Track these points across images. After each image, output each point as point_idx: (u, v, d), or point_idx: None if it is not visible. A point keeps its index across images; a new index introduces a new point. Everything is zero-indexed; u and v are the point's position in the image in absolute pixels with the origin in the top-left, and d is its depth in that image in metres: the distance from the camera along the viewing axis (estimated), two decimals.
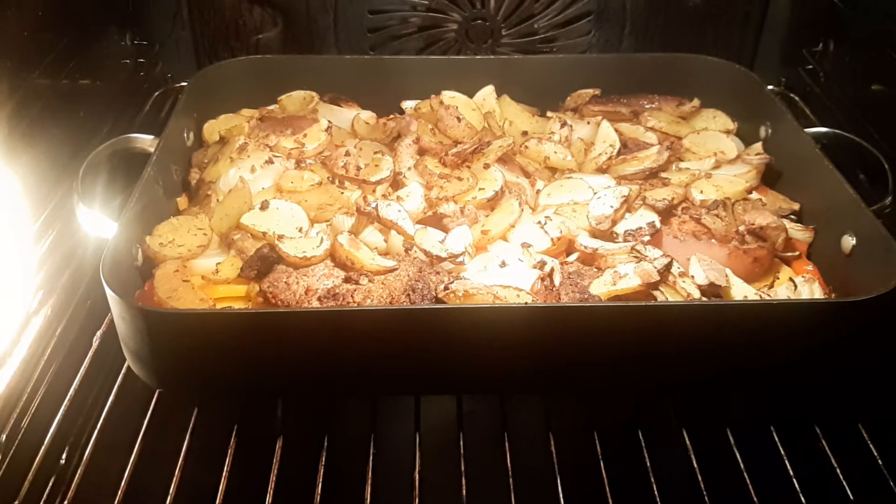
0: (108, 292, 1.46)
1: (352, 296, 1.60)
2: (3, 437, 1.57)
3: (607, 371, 1.52)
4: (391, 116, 2.28)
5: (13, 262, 1.82)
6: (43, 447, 1.57)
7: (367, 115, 2.27)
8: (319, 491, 1.48)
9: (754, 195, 1.98)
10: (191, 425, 1.62)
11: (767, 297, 1.65)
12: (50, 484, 1.54)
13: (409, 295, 1.61)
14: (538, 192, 1.97)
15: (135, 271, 1.70)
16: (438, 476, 1.53)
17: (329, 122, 2.14)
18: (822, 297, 1.68)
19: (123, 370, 1.70)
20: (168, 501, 1.48)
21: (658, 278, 1.59)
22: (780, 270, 1.80)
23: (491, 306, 1.51)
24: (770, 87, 2.32)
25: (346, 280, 1.64)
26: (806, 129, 2.06)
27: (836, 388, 1.65)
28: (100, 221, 1.74)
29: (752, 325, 1.47)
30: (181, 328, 1.45)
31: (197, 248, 1.75)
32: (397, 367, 1.50)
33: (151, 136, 2.01)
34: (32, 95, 1.94)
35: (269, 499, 1.48)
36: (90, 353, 1.77)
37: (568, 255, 1.80)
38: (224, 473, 1.52)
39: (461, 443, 1.57)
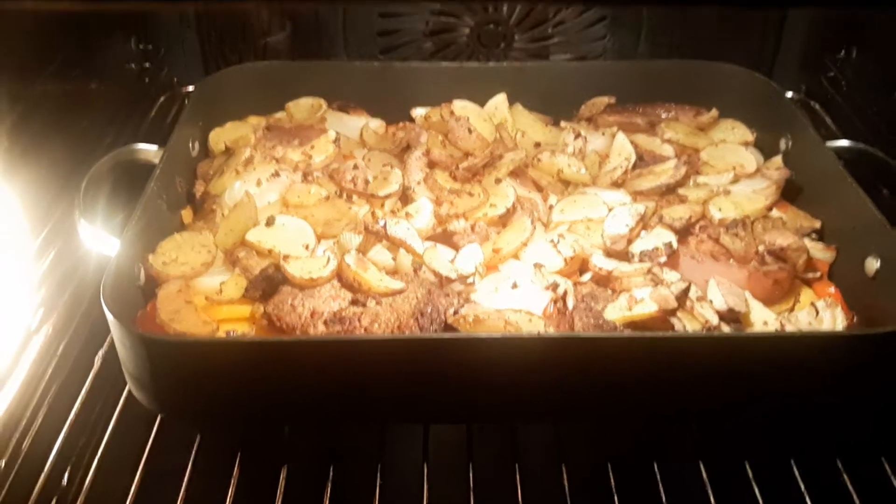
0: (109, 317, 1.42)
1: (359, 319, 1.55)
2: (3, 462, 1.54)
3: (622, 402, 1.47)
4: (401, 125, 2.23)
5: (13, 279, 1.79)
6: (45, 469, 1.55)
7: (376, 124, 2.23)
8: None
9: (775, 212, 1.92)
10: (194, 451, 1.58)
11: (789, 327, 1.59)
12: None
13: (417, 319, 1.56)
14: (551, 207, 1.91)
15: (137, 291, 1.66)
16: None
17: (337, 133, 2.09)
18: (845, 324, 1.62)
19: (126, 390, 1.66)
20: None
21: (676, 305, 1.55)
22: (800, 292, 1.74)
23: (501, 337, 1.46)
24: (789, 93, 2.25)
25: (353, 302, 1.60)
26: (828, 143, 2.00)
27: (859, 420, 1.60)
28: (102, 238, 1.70)
29: (772, 356, 1.42)
30: (183, 356, 1.42)
31: (201, 266, 1.71)
32: (405, 395, 1.46)
33: (155, 147, 1.97)
34: (35, 106, 1.90)
35: None
36: (92, 373, 1.74)
37: (581, 273, 1.75)
38: (227, 502, 1.48)
39: (470, 474, 1.52)
